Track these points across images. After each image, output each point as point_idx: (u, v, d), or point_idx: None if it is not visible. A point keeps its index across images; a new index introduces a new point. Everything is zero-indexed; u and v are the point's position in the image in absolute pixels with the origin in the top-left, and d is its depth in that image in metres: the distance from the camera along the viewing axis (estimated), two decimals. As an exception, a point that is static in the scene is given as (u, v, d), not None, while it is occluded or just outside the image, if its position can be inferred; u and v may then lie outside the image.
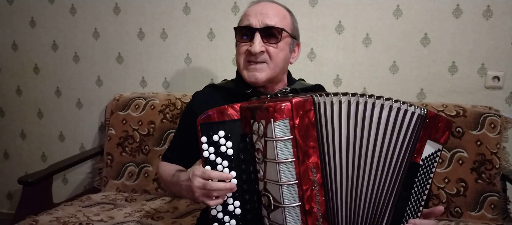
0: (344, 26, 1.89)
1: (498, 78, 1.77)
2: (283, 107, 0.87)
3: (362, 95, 0.94)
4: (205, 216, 1.02)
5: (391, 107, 0.94)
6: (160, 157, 1.88)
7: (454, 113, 1.67)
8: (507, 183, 1.63)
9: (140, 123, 1.95)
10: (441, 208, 1.04)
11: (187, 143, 1.20)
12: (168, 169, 1.22)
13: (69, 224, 1.55)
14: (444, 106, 1.70)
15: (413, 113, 0.95)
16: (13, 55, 2.31)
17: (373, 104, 0.93)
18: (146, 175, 1.93)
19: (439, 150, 1.00)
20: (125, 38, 2.14)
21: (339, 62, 1.92)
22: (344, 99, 0.93)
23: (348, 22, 1.88)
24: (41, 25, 2.24)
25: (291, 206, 0.89)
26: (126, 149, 1.96)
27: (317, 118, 0.91)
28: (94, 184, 2.07)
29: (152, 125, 1.93)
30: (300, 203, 0.89)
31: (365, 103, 0.93)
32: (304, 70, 1.94)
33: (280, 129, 0.87)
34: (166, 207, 1.75)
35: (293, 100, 0.88)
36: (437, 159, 1.01)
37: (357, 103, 0.92)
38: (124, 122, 1.98)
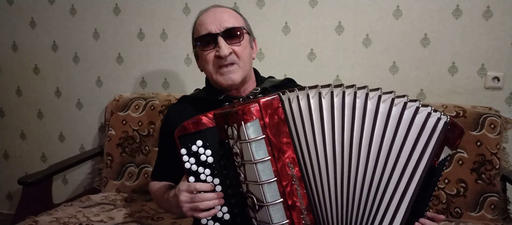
0: (344, 27, 1.89)
1: (498, 79, 1.77)
2: (251, 109, 0.89)
3: (338, 86, 0.93)
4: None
5: (392, 101, 0.91)
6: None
7: (454, 114, 1.66)
8: (507, 184, 1.63)
9: (140, 124, 1.95)
10: (442, 216, 1.04)
11: (171, 158, 1.21)
12: (159, 187, 1.24)
13: (69, 225, 1.56)
14: (444, 107, 1.70)
15: (439, 119, 0.92)
16: (13, 56, 2.31)
17: (367, 96, 0.91)
18: (146, 175, 1.93)
19: (449, 155, 1.00)
20: (125, 39, 2.14)
21: (339, 62, 1.92)
22: (325, 91, 0.93)
23: (348, 23, 1.88)
24: (41, 25, 2.24)
25: (274, 203, 0.91)
26: (126, 149, 1.96)
27: (286, 114, 0.92)
28: (94, 184, 2.07)
29: (152, 126, 1.94)
30: (282, 199, 0.91)
31: (354, 94, 0.92)
32: (304, 70, 1.94)
33: (252, 130, 0.90)
34: (166, 208, 1.75)
35: (261, 100, 0.91)
36: (446, 163, 1.01)
37: (343, 94, 0.91)
38: (124, 122, 1.98)
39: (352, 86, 0.92)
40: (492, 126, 1.63)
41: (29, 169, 2.38)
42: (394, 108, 0.91)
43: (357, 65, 1.90)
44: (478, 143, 1.62)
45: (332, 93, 0.92)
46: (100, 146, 2.19)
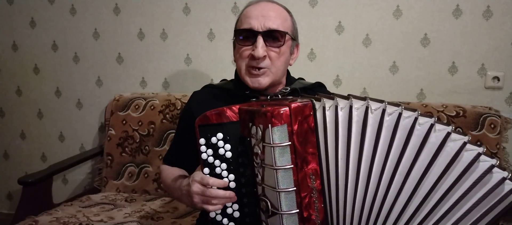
0: (344, 27, 1.89)
1: (498, 79, 1.77)
2: (281, 112, 0.83)
3: (393, 103, 0.84)
4: (205, 217, 1.02)
5: (464, 145, 0.79)
6: (160, 157, 1.89)
7: (454, 113, 1.66)
8: (507, 184, 1.63)
9: (140, 123, 1.95)
10: None
11: (187, 144, 1.19)
12: (171, 173, 1.21)
13: (69, 225, 1.56)
14: (444, 106, 1.70)
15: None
16: (13, 56, 2.31)
17: (431, 127, 0.81)
18: (146, 175, 1.93)
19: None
20: (125, 38, 2.14)
21: (339, 62, 1.92)
22: (375, 106, 0.84)
23: (348, 23, 1.88)
24: (41, 25, 2.24)
25: (289, 213, 0.87)
26: (126, 149, 1.96)
27: (317, 123, 0.87)
28: (94, 184, 2.07)
29: (152, 125, 1.93)
30: (298, 210, 0.87)
31: (415, 120, 0.82)
32: (304, 70, 1.93)
33: (278, 135, 0.84)
34: (166, 208, 1.75)
35: (292, 105, 0.84)
36: None
37: (399, 115, 0.83)
38: (124, 122, 1.98)
39: (414, 110, 0.82)
40: (492, 126, 1.63)
41: (29, 169, 2.38)
42: (465, 154, 0.80)
43: (357, 65, 1.90)
44: (478, 143, 1.62)
45: (383, 110, 0.83)
46: (100, 145, 2.19)
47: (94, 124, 2.26)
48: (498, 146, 1.62)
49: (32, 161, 2.40)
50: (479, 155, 0.80)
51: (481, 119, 1.64)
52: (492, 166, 0.79)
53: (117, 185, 1.96)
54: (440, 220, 0.83)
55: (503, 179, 0.79)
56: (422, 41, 1.82)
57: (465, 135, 0.82)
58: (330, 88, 1.91)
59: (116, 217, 1.64)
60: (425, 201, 0.83)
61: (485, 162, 0.80)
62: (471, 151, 0.80)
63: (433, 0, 1.78)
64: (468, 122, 1.64)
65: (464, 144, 0.80)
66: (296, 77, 1.28)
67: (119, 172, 1.97)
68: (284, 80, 1.21)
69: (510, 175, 0.80)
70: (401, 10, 1.81)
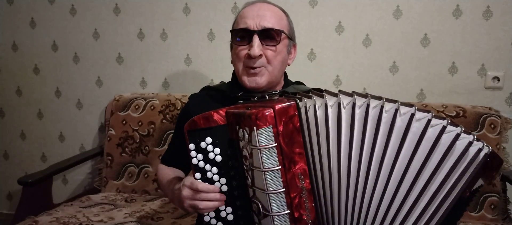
0: (344, 27, 1.89)
1: (498, 79, 1.77)
2: (266, 114, 0.84)
3: (362, 95, 0.86)
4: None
5: (428, 122, 0.81)
6: (160, 157, 1.89)
7: (454, 114, 1.66)
8: (507, 184, 1.63)
9: (140, 124, 1.95)
10: None
11: (183, 146, 1.20)
12: (167, 174, 1.23)
13: (69, 225, 1.56)
14: (444, 107, 1.70)
15: (480, 149, 0.82)
16: (13, 56, 2.31)
17: (396, 112, 0.83)
18: (146, 175, 1.93)
19: (482, 185, 0.93)
20: (125, 39, 2.14)
21: (339, 62, 1.92)
22: (346, 101, 0.86)
23: (348, 23, 1.88)
24: (41, 25, 2.24)
25: (280, 215, 0.87)
26: (126, 149, 1.96)
27: (302, 123, 0.88)
28: (94, 184, 2.07)
29: (152, 126, 1.94)
30: (288, 211, 0.87)
31: (381, 108, 0.84)
32: (304, 71, 1.94)
33: (264, 137, 0.85)
34: (166, 208, 1.75)
35: (276, 106, 0.85)
36: (476, 193, 0.94)
37: (367, 106, 0.84)
38: (124, 122, 1.98)
39: (379, 98, 0.85)
40: (492, 126, 1.63)
41: (29, 169, 2.38)
42: (430, 130, 0.82)
43: (357, 65, 1.90)
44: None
45: (354, 104, 0.85)
46: (100, 146, 2.19)
47: (94, 124, 2.26)
48: (498, 146, 1.62)
49: (32, 161, 2.40)
50: (444, 128, 0.81)
51: (481, 119, 1.64)
52: (458, 135, 0.81)
53: (117, 185, 1.96)
54: (419, 197, 0.84)
55: (470, 143, 0.81)
56: (422, 41, 1.82)
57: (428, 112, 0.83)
58: (330, 88, 1.91)
59: (116, 217, 1.64)
60: (401, 184, 0.85)
61: (451, 132, 0.81)
62: (437, 125, 0.82)
63: (433, 0, 1.78)
64: (468, 122, 1.64)
65: (429, 121, 0.81)
66: (294, 81, 1.28)
67: (119, 172, 1.97)
68: (282, 81, 1.21)
69: (475, 137, 0.82)
70: (401, 10, 1.81)
